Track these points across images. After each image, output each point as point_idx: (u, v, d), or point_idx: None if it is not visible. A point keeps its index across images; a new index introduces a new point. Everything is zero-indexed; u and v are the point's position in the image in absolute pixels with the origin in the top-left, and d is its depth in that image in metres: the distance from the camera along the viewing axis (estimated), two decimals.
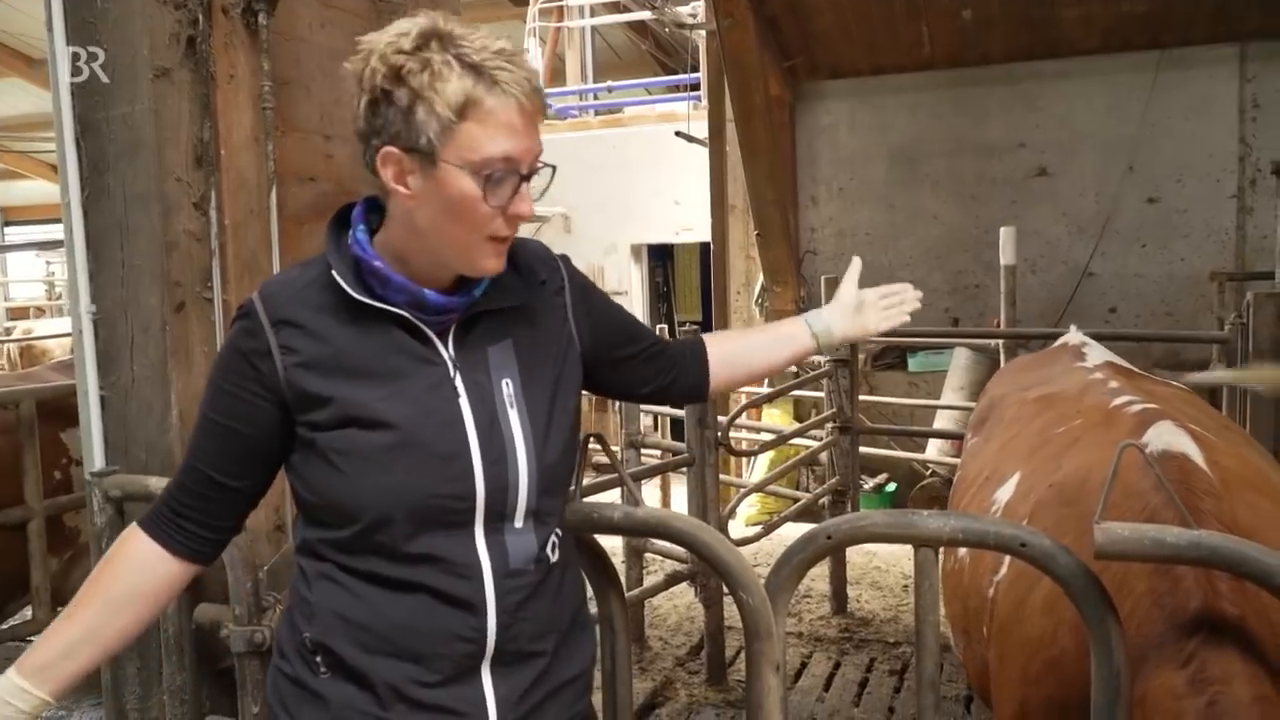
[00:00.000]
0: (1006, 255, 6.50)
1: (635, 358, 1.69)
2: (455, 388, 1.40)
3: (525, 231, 1.49)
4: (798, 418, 7.92)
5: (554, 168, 1.43)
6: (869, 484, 7.69)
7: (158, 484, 2.40)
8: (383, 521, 1.35)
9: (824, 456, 5.86)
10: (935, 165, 8.45)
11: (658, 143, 10.21)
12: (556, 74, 12.91)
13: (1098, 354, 3.44)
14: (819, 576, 5.63)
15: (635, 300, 11.32)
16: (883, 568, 6.21)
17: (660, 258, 12.66)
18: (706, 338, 1.83)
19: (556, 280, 1.57)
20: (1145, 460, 1.72)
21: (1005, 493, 2.60)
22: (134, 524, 1.52)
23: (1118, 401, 2.64)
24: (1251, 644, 1.58)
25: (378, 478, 1.34)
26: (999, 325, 6.63)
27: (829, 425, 5.65)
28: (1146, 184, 7.95)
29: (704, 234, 9.39)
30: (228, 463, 1.44)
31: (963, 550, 2.56)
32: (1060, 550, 1.65)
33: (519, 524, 1.41)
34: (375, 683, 1.38)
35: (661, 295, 12.90)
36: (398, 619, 1.37)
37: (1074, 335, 3.87)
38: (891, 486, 7.85)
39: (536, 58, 11.42)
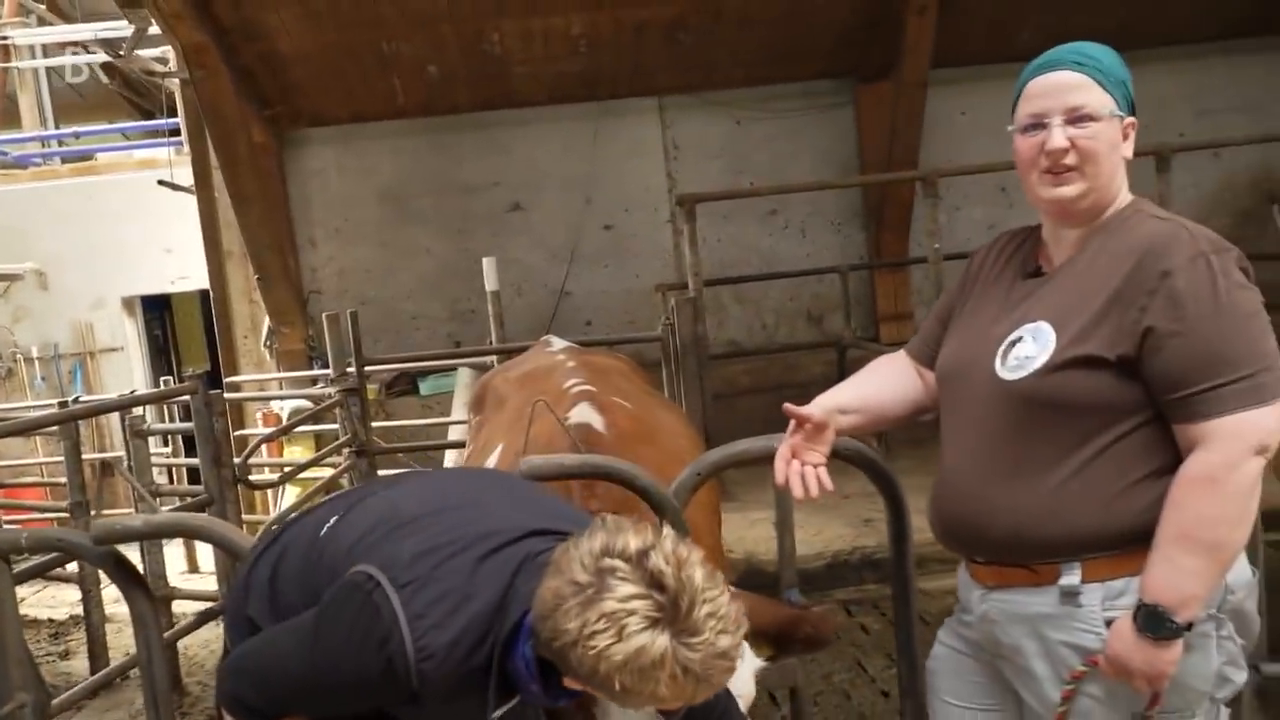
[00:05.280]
0: (490, 282, 7.36)
1: None
2: None
3: None
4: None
5: None
6: None
7: None
8: None
9: (345, 480, 6.24)
10: (422, 204, 9.19)
11: (141, 190, 9.85)
12: (10, 117, 11.80)
13: (560, 343, 4.40)
14: None
15: (133, 356, 10.75)
16: None
17: (158, 309, 12.09)
18: None
19: None
20: (555, 418, 2.44)
21: (492, 460, 3.22)
22: None
23: (567, 384, 3.39)
24: None
25: None
26: (492, 345, 7.46)
27: (345, 451, 6.05)
28: (602, 214, 9.35)
29: (203, 281, 9.27)
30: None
31: None
32: None
33: None
34: None
35: (161, 348, 12.32)
36: None
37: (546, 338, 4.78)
38: None
39: None
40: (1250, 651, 1.98)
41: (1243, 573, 1.92)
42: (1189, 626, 1.79)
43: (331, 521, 1.82)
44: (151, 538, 3.07)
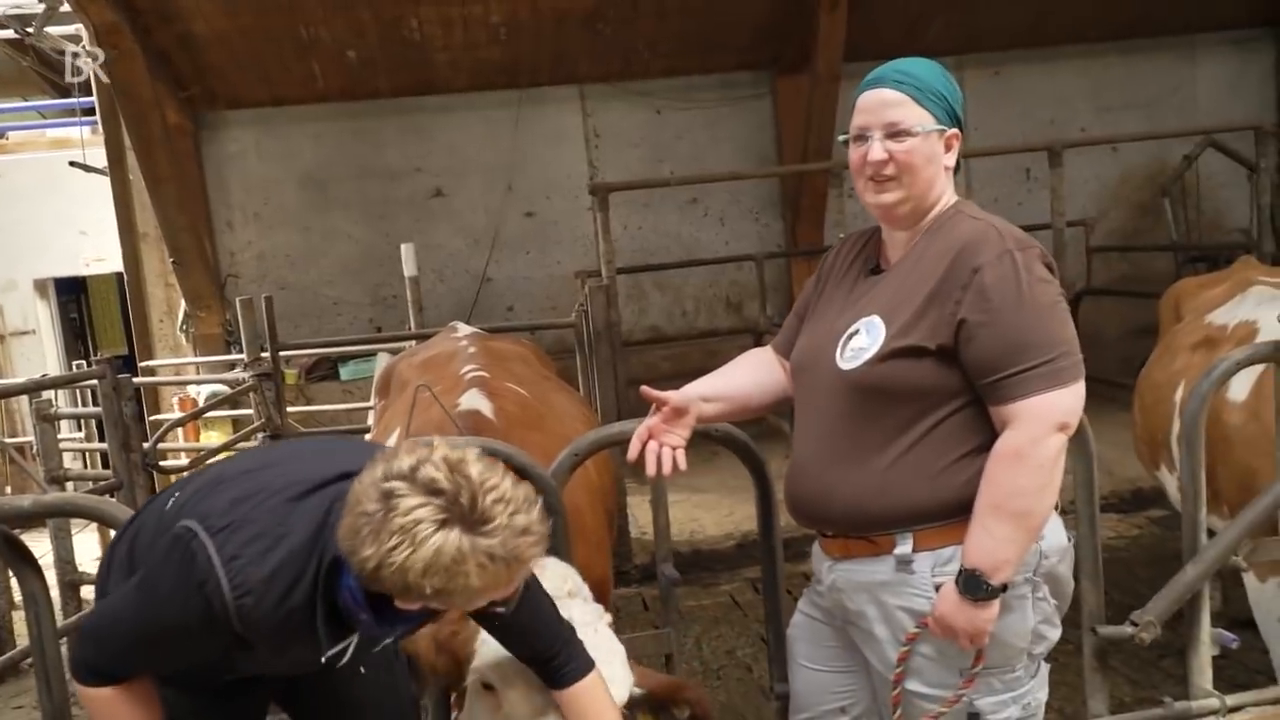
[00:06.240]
0: (408, 268, 7.41)
1: None
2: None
3: None
4: None
5: None
6: None
7: None
8: None
9: None
10: (344, 189, 9.16)
11: (53, 170, 9.66)
12: None
13: (465, 329, 4.48)
14: None
15: (47, 339, 10.56)
16: None
17: (73, 291, 11.87)
18: None
19: None
20: (439, 403, 2.56)
21: (390, 444, 3.33)
22: None
23: (464, 370, 3.50)
24: None
25: None
26: (411, 330, 7.52)
27: (260, 435, 6.07)
28: (524, 201, 9.41)
29: (119, 264, 9.14)
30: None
31: None
32: None
33: None
34: None
35: (78, 332, 12.11)
36: None
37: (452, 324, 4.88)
38: None
39: None
40: (1064, 611, 2.19)
41: (1057, 539, 2.12)
42: (1004, 588, 1.98)
43: (176, 495, 1.93)
44: (40, 517, 3.13)
